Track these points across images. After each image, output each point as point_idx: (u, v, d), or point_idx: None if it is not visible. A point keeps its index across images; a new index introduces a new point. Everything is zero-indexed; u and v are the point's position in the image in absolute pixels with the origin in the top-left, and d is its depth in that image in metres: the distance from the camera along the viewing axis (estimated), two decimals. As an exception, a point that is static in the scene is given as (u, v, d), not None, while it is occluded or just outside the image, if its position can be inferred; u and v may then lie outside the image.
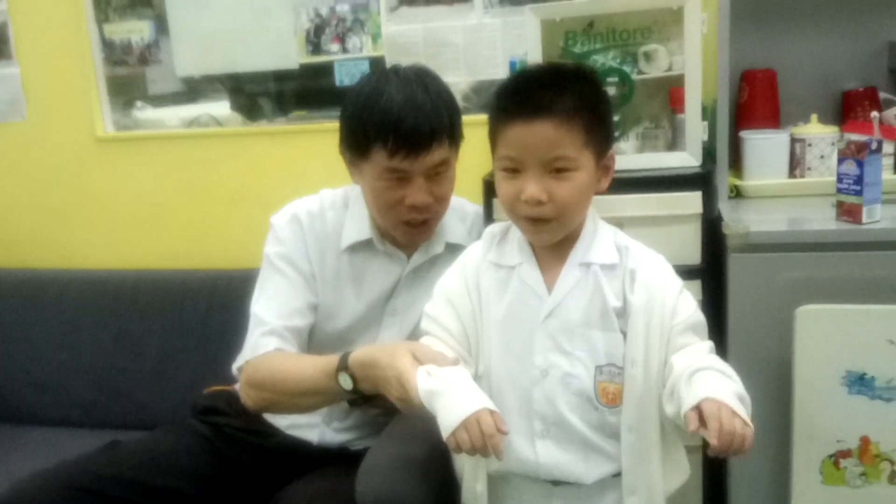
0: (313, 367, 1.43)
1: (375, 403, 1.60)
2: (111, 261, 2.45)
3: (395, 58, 2.10)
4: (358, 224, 1.61)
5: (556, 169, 1.18)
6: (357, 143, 1.49)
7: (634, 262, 1.25)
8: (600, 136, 1.22)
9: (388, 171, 1.46)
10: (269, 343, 1.53)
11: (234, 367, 1.61)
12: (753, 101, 1.89)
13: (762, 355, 1.52)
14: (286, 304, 1.57)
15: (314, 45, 2.28)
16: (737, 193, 1.77)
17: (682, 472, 1.32)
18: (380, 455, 1.46)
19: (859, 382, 1.41)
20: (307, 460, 1.62)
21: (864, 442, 1.43)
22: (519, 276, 1.27)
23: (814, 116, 1.78)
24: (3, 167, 2.52)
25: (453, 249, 1.56)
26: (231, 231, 2.35)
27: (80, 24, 2.38)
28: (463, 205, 1.71)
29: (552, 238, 1.25)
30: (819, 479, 1.46)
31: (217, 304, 2.21)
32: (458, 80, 2.13)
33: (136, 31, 2.38)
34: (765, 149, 1.78)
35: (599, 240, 1.27)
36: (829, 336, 1.42)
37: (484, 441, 1.10)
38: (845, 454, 1.44)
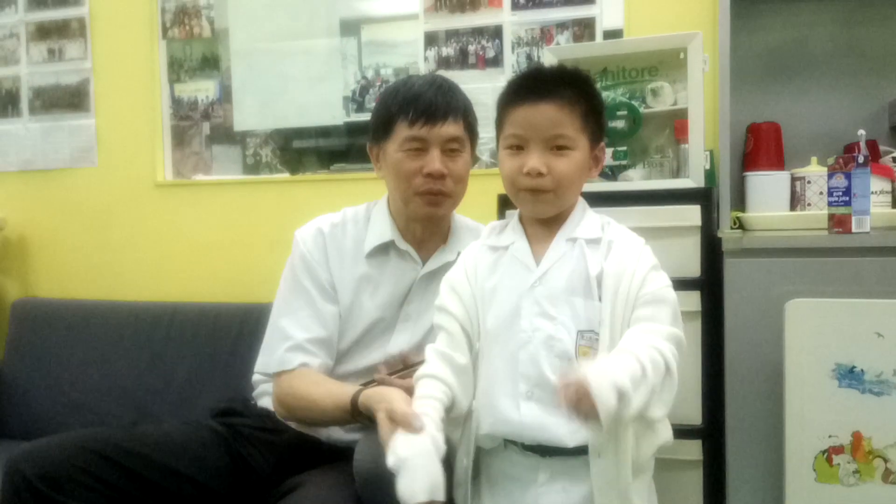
0: (333, 401, 1.56)
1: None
2: (155, 294, 2.60)
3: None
4: (380, 228, 1.74)
5: (557, 146, 1.33)
6: (383, 122, 1.66)
7: (613, 235, 1.37)
8: (594, 125, 1.38)
9: (409, 140, 1.62)
10: (294, 359, 1.65)
11: (256, 370, 1.71)
12: (758, 150, 2.01)
13: (757, 359, 1.56)
14: (309, 317, 1.68)
15: (358, 103, 2.51)
16: (739, 226, 1.85)
17: (658, 435, 1.32)
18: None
19: (849, 375, 1.43)
20: (315, 457, 1.68)
21: (857, 437, 1.44)
22: (511, 253, 1.39)
23: (813, 159, 1.89)
24: (70, 207, 2.75)
25: None
26: (268, 268, 2.46)
27: (154, 83, 2.67)
28: (479, 227, 1.83)
29: (548, 209, 1.37)
30: (812, 476, 1.46)
31: (247, 332, 2.30)
32: (488, 137, 2.30)
33: (202, 90, 2.65)
34: (767, 186, 1.88)
35: (587, 220, 1.40)
36: (818, 329, 1.47)
37: None
38: (838, 450, 1.45)
